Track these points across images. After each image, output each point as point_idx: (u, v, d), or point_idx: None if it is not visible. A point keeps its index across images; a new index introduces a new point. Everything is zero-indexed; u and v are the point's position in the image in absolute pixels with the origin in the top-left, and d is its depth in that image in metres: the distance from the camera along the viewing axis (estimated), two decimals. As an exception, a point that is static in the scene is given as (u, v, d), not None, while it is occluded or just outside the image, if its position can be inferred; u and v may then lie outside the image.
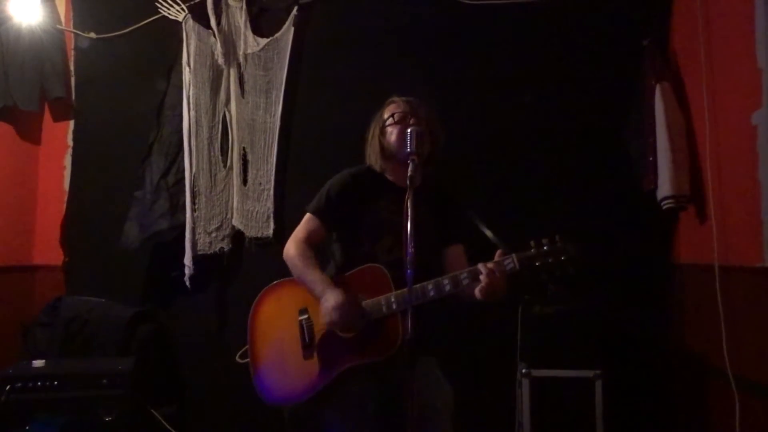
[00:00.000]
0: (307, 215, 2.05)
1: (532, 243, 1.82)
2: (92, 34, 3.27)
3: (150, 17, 3.21)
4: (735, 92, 2.43)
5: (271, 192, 3.10)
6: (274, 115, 3.12)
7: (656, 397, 2.81)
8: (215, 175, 3.15)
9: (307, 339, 1.91)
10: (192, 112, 3.10)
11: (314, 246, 2.01)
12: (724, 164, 2.49)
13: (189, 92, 3.11)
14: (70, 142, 3.31)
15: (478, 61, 3.05)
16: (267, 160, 3.12)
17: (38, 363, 2.60)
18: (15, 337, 3.00)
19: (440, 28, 3.09)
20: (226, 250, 3.13)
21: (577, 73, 2.97)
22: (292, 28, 3.13)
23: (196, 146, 3.12)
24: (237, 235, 3.15)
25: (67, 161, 3.31)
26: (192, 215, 3.07)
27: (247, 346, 1.99)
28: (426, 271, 1.81)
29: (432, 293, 1.83)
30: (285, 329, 1.95)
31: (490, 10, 3.01)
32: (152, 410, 2.79)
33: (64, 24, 3.32)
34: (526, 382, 2.50)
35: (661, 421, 2.79)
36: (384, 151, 2.03)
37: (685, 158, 2.66)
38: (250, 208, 3.13)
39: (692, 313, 2.75)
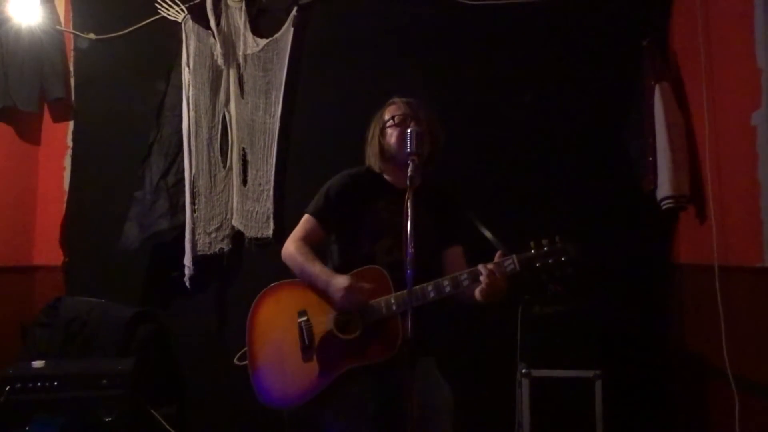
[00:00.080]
0: (306, 216, 2.05)
1: (531, 244, 1.82)
2: (92, 35, 3.27)
3: (149, 18, 3.21)
4: (734, 92, 2.43)
5: (271, 192, 3.10)
6: (273, 115, 3.13)
7: (656, 397, 2.81)
8: (215, 175, 3.16)
9: (306, 341, 1.90)
10: (191, 113, 3.11)
11: (313, 246, 2.01)
12: (723, 164, 2.50)
13: (188, 93, 3.12)
14: (70, 143, 3.31)
15: (478, 61, 3.05)
16: (267, 161, 3.13)
17: (38, 363, 2.60)
18: (15, 338, 3.00)
19: (440, 28, 3.09)
20: (225, 250, 3.13)
21: (576, 74, 2.97)
22: (292, 29, 3.13)
23: (196, 147, 3.12)
24: (237, 236, 3.15)
25: (67, 162, 3.30)
26: (192, 216, 3.07)
27: (245, 348, 1.99)
28: (425, 272, 1.81)
29: (432, 294, 1.83)
30: (284, 331, 1.94)
31: (490, 10, 3.01)
32: (152, 410, 2.79)
33: (63, 25, 3.32)
34: (526, 382, 2.50)
35: (661, 421, 2.79)
36: (383, 152, 2.03)
37: (684, 158, 2.66)
38: (249, 209, 3.13)
39: (692, 313, 2.75)
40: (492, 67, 3.03)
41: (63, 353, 2.82)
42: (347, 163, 2.15)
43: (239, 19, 3.18)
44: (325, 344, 1.90)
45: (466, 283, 1.82)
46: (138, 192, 3.13)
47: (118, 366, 2.56)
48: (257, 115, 3.15)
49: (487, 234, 2.20)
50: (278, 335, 1.95)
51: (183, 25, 3.17)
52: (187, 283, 3.04)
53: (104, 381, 2.48)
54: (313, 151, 3.11)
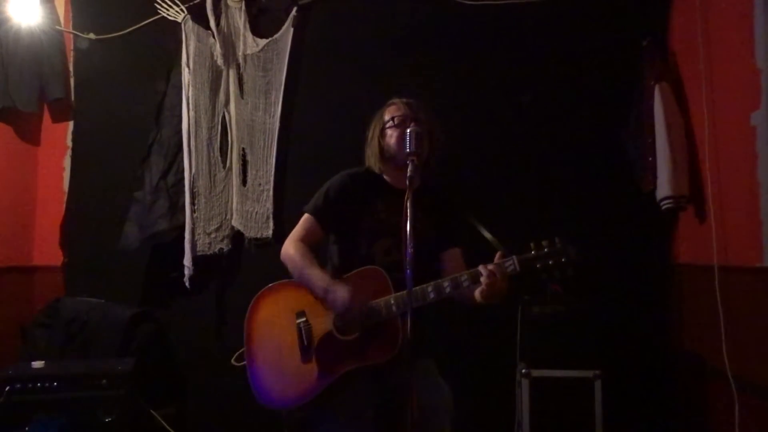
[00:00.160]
0: (305, 215, 2.05)
1: (531, 245, 1.83)
2: (91, 35, 3.27)
3: (149, 18, 3.20)
4: (734, 92, 2.43)
5: (271, 192, 3.10)
6: (273, 115, 3.12)
7: (656, 397, 2.81)
8: (215, 175, 3.15)
9: (305, 342, 1.90)
10: (191, 113, 3.10)
11: (312, 246, 2.01)
12: (723, 164, 2.50)
13: (188, 93, 3.11)
14: (70, 143, 3.31)
15: (478, 62, 3.05)
16: (266, 161, 3.12)
17: (38, 364, 2.59)
18: (14, 338, 3.00)
19: (440, 28, 3.09)
20: (225, 250, 3.13)
21: (576, 74, 2.97)
22: (291, 29, 3.13)
23: (196, 147, 3.11)
24: (236, 236, 3.15)
25: (67, 162, 3.30)
26: (191, 216, 3.07)
27: (243, 349, 1.99)
28: (424, 272, 1.82)
29: (432, 295, 1.83)
30: (282, 332, 1.94)
31: (490, 10, 3.01)
32: (152, 411, 2.79)
33: (63, 25, 3.31)
34: (525, 383, 2.50)
35: (661, 422, 2.79)
36: (383, 152, 2.03)
37: (684, 159, 2.66)
38: (249, 209, 3.13)
39: (692, 313, 2.76)
40: (491, 67, 3.03)
41: (63, 353, 2.82)
42: (347, 163, 2.15)
43: (239, 19, 3.18)
44: (325, 345, 1.90)
45: (466, 284, 1.82)
46: (138, 192, 3.13)
47: (118, 366, 2.56)
48: (257, 115, 3.15)
49: (487, 235, 2.21)
50: (277, 336, 1.95)
51: (183, 25, 3.17)
52: (187, 284, 3.04)
53: (104, 381, 2.48)
54: (313, 151, 3.11)
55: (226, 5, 3.18)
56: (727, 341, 2.35)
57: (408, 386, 1.53)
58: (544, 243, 1.81)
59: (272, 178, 3.10)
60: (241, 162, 3.16)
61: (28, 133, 3.27)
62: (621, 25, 2.96)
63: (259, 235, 3.10)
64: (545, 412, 2.52)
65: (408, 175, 1.71)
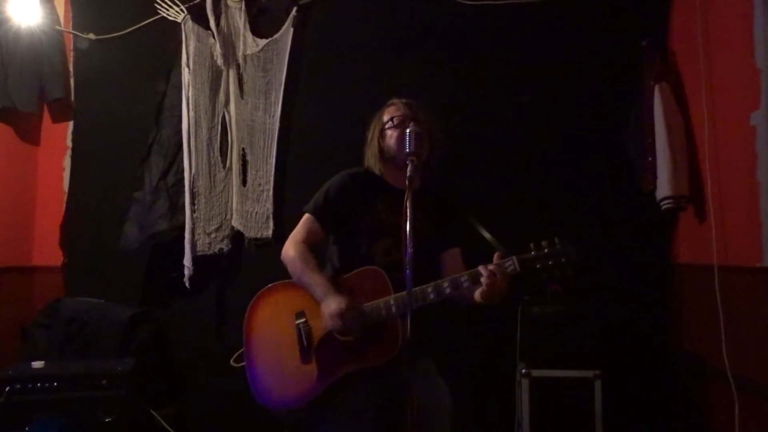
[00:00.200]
0: (306, 216, 2.05)
1: (531, 245, 1.82)
2: (91, 35, 3.27)
3: (149, 18, 3.21)
4: (734, 92, 2.43)
5: (271, 193, 3.10)
6: (273, 115, 3.12)
7: (656, 397, 2.81)
8: (215, 175, 3.15)
9: (305, 343, 1.90)
10: (191, 113, 3.10)
11: (313, 247, 2.01)
12: (723, 165, 2.50)
13: (188, 93, 3.11)
14: (70, 143, 3.31)
15: (478, 62, 3.05)
16: (266, 161, 3.12)
17: (37, 364, 2.59)
18: (14, 339, 3.00)
19: (440, 28, 3.09)
20: (225, 250, 3.13)
21: (576, 74, 2.97)
22: (291, 29, 3.13)
23: (196, 147, 3.11)
24: (236, 236, 3.15)
25: (67, 162, 3.30)
26: (191, 216, 3.07)
27: (242, 350, 1.99)
28: (423, 273, 1.81)
29: (432, 296, 1.83)
30: (282, 333, 1.94)
31: (490, 10, 3.01)
32: (152, 411, 2.79)
33: (63, 25, 3.31)
34: (525, 383, 2.50)
35: (661, 422, 2.79)
36: (383, 153, 2.03)
37: (684, 159, 2.66)
38: (249, 209, 3.13)
39: (691, 313, 2.76)
40: (491, 67, 3.04)
41: (62, 354, 2.82)
42: (347, 163, 2.15)
43: (239, 19, 3.18)
44: (324, 346, 1.89)
45: (465, 284, 1.82)
46: (137, 192, 3.13)
47: (118, 366, 2.56)
48: (257, 115, 3.15)
49: (487, 235, 2.20)
50: (276, 337, 1.95)
51: (183, 25, 3.17)
52: (187, 284, 3.04)
53: (104, 381, 2.48)
54: (313, 151, 3.10)
55: (226, 5, 3.18)
56: (727, 341, 2.35)
57: (408, 386, 1.53)
58: (543, 243, 1.81)
59: (272, 178, 3.10)
60: (241, 162, 3.16)
61: (28, 134, 3.27)
62: (621, 25, 2.96)
63: (259, 235, 3.10)
64: (545, 412, 2.52)
65: (407, 175, 1.70)
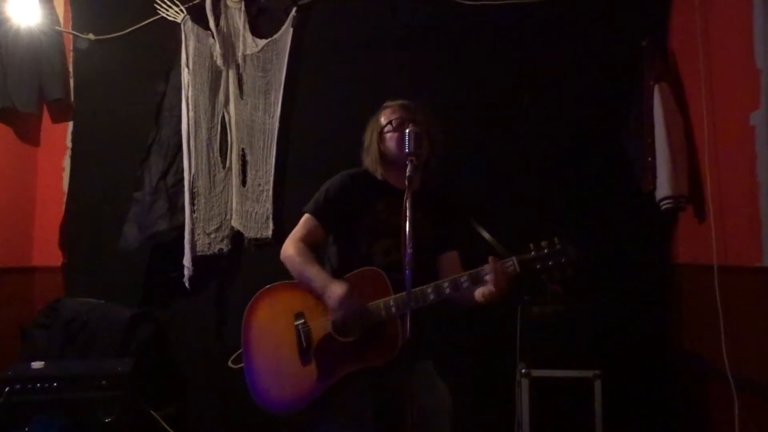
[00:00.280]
0: (305, 215, 2.05)
1: (531, 246, 1.82)
2: (91, 36, 3.27)
3: (149, 18, 3.21)
4: (733, 92, 2.43)
5: (270, 193, 3.10)
6: (272, 116, 3.12)
7: (655, 397, 2.81)
8: (214, 176, 3.15)
9: (304, 344, 1.89)
10: (191, 113, 3.10)
11: (312, 247, 2.01)
12: (722, 164, 2.50)
13: (188, 93, 3.11)
14: (69, 144, 3.31)
15: (478, 62, 3.05)
16: (266, 161, 3.12)
17: (37, 364, 2.59)
18: (14, 339, 3.00)
19: (439, 29, 3.09)
20: (225, 251, 3.13)
21: (575, 74, 2.97)
22: (291, 29, 3.13)
23: (195, 147, 3.11)
24: (236, 236, 3.15)
25: (66, 163, 3.30)
26: (191, 216, 3.07)
27: (240, 351, 1.98)
28: (422, 273, 1.81)
29: (432, 296, 1.83)
30: (281, 334, 1.93)
31: (490, 10, 3.01)
32: (152, 411, 2.79)
33: (62, 25, 3.31)
34: (525, 383, 2.50)
35: (661, 422, 2.79)
36: (383, 157, 2.02)
37: (683, 159, 2.66)
38: (249, 209, 3.13)
39: (691, 313, 2.76)
40: (491, 67, 3.04)
41: (62, 354, 2.82)
42: (347, 163, 2.15)
43: (238, 19, 3.18)
44: (324, 347, 1.89)
45: (466, 285, 1.82)
46: (137, 193, 3.13)
47: (118, 367, 2.56)
48: (256, 115, 3.15)
49: (487, 236, 2.20)
50: (275, 338, 1.94)
51: (182, 25, 3.17)
52: (187, 284, 3.04)
53: (104, 382, 2.48)
54: (313, 151, 3.10)
55: (226, 5, 3.18)
56: (727, 341, 2.35)
57: (407, 387, 1.53)
58: (543, 244, 1.81)
59: (272, 179, 3.10)
60: (240, 162, 3.16)
61: (28, 134, 3.27)
62: (621, 25, 2.95)
63: (258, 236, 3.10)
64: (545, 412, 2.52)
65: (407, 175, 1.70)
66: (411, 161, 1.75)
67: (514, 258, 1.81)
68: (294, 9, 3.13)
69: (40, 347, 2.85)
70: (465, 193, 2.62)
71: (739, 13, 2.38)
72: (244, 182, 3.15)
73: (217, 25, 3.16)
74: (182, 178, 3.10)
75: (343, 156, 2.27)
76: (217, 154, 3.16)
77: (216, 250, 3.11)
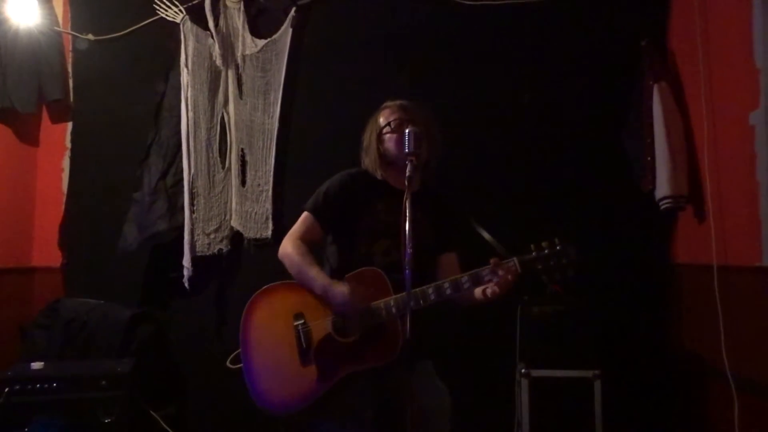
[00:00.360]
0: (305, 214, 2.04)
1: (532, 246, 1.82)
2: (90, 36, 3.27)
3: (148, 19, 3.21)
4: (733, 92, 2.43)
5: (270, 193, 3.09)
6: (272, 116, 3.12)
7: (655, 397, 2.81)
8: (214, 176, 3.15)
9: (304, 345, 1.89)
10: (190, 114, 3.10)
11: (310, 246, 2.00)
12: (722, 164, 2.50)
13: (187, 93, 3.11)
14: (69, 144, 3.31)
15: (477, 62, 3.05)
16: (265, 161, 3.12)
17: (37, 365, 2.59)
18: (14, 339, 3.00)
19: (439, 29, 3.09)
20: (224, 251, 3.13)
21: (575, 74, 2.97)
22: (290, 29, 3.13)
23: (195, 147, 3.11)
24: (236, 237, 3.15)
25: (66, 163, 3.30)
26: (190, 216, 3.07)
27: (238, 351, 1.97)
28: (422, 273, 1.81)
29: (432, 297, 1.83)
30: (280, 335, 1.92)
31: (490, 10, 3.00)
32: (151, 411, 2.79)
33: (61, 26, 3.31)
34: (525, 383, 2.50)
35: (660, 421, 2.79)
36: (383, 158, 2.01)
37: (683, 158, 2.66)
38: (248, 209, 3.12)
39: (691, 313, 2.76)
40: (491, 67, 3.03)
41: (62, 354, 2.82)
42: (346, 163, 2.14)
43: (238, 19, 3.18)
44: (324, 348, 1.88)
45: (466, 285, 1.82)
46: (137, 193, 3.13)
47: (118, 367, 2.56)
48: (256, 115, 3.14)
49: (487, 236, 2.20)
50: (274, 338, 1.93)
51: (181, 25, 3.17)
52: (186, 284, 3.04)
53: (103, 382, 2.48)
54: (312, 151, 3.10)
55: (225, 6, 3.18)
56: (727, 341, 2.35)
57: (407, 387, 1.52)
58: (544, 244, 1.81)
59: (271, 179, 3.10)
60: (240, 162, 3.16)
61: (27, 134, 3.27)
62: (620, 25, 2.95)
63: (258, 236, 3.10)
64: (545, 412, 2.52)
65: (407, 175, 1.70)
66: (410, 161, 1.74)
67: (515, 259, 1.81)
68: (293, 9, 3.13)
69: (40, 347, 2.85)
70: (465, 193, 2.63)
71: (738, 12, 2.38)
72: (243, 182, 3.15)
73: (216, 25, 3.16)
74: (182, 179, 3.10)
75: (342, 156, 2.27)
76: (216, 154, 3.16)
77: (215, 251, 3.11)
